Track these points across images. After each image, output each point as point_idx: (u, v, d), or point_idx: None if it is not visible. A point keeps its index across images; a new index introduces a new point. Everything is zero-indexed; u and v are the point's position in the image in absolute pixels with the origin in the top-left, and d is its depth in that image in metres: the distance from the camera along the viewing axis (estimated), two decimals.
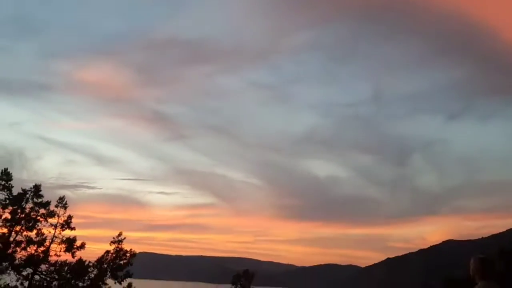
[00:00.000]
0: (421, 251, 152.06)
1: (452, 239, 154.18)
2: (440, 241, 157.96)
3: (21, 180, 8.92)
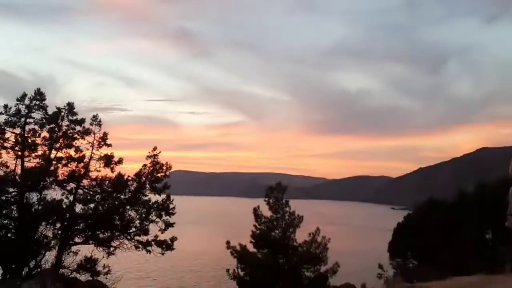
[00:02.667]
0: (454, 160, 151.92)
1: (486, 147, 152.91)
2: (474, 149, 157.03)
3: (55, 105, 9.02)
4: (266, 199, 11.02)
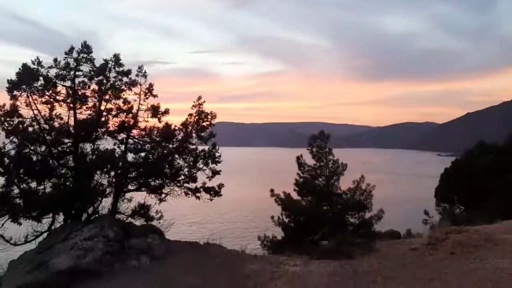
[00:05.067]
0: (504, 104, 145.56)
1: None
2: None
3: (101, 59, 9.20)
4: (309, 148, 11.04)
